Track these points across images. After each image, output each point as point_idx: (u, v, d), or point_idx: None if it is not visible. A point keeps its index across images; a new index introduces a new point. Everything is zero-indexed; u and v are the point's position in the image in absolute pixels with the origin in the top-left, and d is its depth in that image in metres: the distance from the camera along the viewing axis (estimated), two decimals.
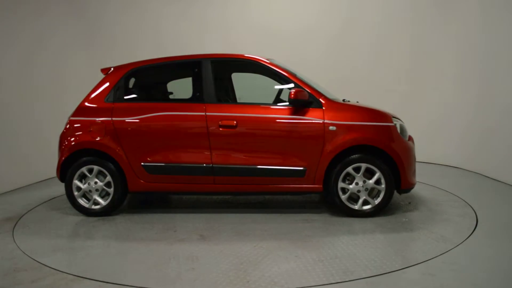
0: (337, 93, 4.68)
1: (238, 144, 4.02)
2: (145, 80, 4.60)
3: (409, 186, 4.05)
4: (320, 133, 3.94)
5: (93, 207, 4.24)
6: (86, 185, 4.22)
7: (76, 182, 4.23)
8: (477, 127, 6.04)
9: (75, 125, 4.29)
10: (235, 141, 4.02)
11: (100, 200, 4.23)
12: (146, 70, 4.47)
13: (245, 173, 4.01)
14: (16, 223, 4.15)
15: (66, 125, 4.35)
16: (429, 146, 6.50)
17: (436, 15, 6.85)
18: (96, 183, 4.22)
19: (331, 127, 3.93)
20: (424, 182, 5.28)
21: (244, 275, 2.83)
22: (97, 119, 4.24)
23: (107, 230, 3.88)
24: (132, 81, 4.48)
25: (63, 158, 4.25)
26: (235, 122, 3.98)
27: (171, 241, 3.55)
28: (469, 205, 4.33)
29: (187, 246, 3.43)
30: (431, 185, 5.24)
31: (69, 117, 4.38)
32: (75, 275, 2.85)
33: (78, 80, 6.85)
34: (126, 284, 2.69)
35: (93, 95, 4.37)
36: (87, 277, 2.87)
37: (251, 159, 4.00)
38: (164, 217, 4.19)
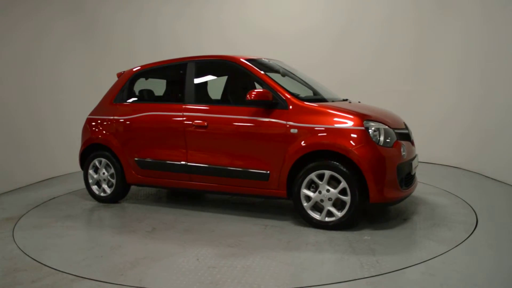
0: (338, 93, 4.65)
1: (209, 144, 4.10)
2: (143, 82, 4.88)
3: (382, 200, 3.47)
4: (282, 136, 3.73)
5: (102, 194, 4.79)
6: (97, 175, 4.81)
7: (90, 172, 4.85)
8: (477, 127, 5.99)
9: (90, 123, 4.92)
10: (206, 141, 4.11)
11: (107, 188, 4.75)
12: (145, 73, 4.83)
13: (216, 173, 4.07)
14: (16, 223, 4.14)
15: (85, 122, 4.97)
16: (429, 146, 6.43)
17: (438, 16, 6.80)
18: (104, 173, 4.75)
19: (292, 130, 3.68)
20: (424, 182, 5.21)
21: (128, 269, 2.93)
22: (104, 117, 4.78)
23: (94, 219, 4.30)
24: (134, 84, 4.84)
25: (81, 151, 4.93)
26: (206, 122, 4.06)
27: (122, 231, 3.83)
28: (469, 205, 4.28)
29: (127, 236, 3.66)
30: (431, 185, 5.19)
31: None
32: (75, 275, 2.83)
33: (75, 79, 6.99)
34: (126, 284, 2.68)
35: (106, 96, 4.94)
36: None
37: (220, 160, 4.03)
38: (154, 209, 4.50)
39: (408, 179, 3.77)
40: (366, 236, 3.42)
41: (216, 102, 4.42)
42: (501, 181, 5.34)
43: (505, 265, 2.89)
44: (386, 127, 3.61)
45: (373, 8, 7.26)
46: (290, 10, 7.60)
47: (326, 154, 3.59)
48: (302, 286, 2.61)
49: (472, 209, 4.17)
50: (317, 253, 3.09)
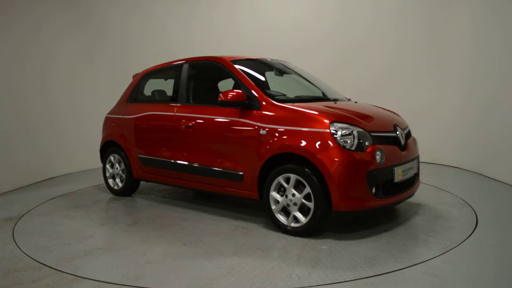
0: (338, 93, 4.56)
1: (195, 144, 4.18)
2: (149, 83, 5.13)
3: (346, 208, 3.21)
4: (252, 137, 3.67)
5: (115, 187, 5.16)
6: (112, 170, 5.18)
7: (107, 166, 5.22)
8: (477, 127, 5.99)
9: (107, 121, 5.31)
10: (193, 141, 4.19)
11: (119, 182, 5.11)
12: (151, 74, 5.08)
13: (200, 172, 4.14)
14: (16, 223, 4.14)
15: (104, 121, 5.36)
16: (429, 146, 6.30)
17: (439, 15, 6.80)
18: (117, 168, 5.11)
19: (261, 131, 3.61)
20: (424, 182, 5.16)
21: (79, 257, 3.17)
22: (118, 116, 5.11)
23: (94, 210, 4.57)
24: (141, 85, 5.12)
25: (100, 147, 5.34)
26: (192, 122, 4.14)
27: (107, 222, 4.11)
28: (469, 205, 4.26)
29: (107, 227, 3.94)
30: (431, 185, 5.18)
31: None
32: (75, 275, 2.84)
33: (75, 78, 7.07)
34: (126, 284, 2.70)
35: (122, 97, 5.27)
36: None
37: (203, 159, 4.09)
38: (154, 204, 4.74)
39: (390, 187, 3.43)
40: (324, 245, 3.22)
41: (203, 102, 4.43)
42: (501, 181, 5.33)
43: (505, 265, 2.88)
44: (360, 129, 3.32)
45: (372, 8, 7.29)
46: (300, 9, 7.63)
47: (296, 157, 3.42)
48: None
49: (472, 209, 4.15)
50: (258, 259, 3.01)
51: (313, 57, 7.27)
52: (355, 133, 3.29)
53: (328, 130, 3.26)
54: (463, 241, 3.26)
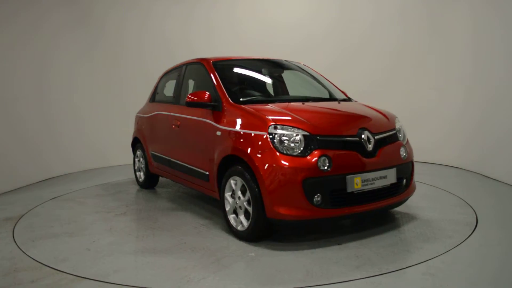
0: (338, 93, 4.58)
1: (180, 143, 4.37)
2: (164, 83, 5.42)
3: (278, 216, 3.04)
4: (212, 138, 3.70)
5: (140, 180, 5.61)
6: (138, 164, 5.65)
7: (136, 160, 5.70)
8: (477, 128, 5.94)
9: (135, 119, 5.75)
10: (180, 140, 4.38)
11: (142, 176, 5.54)
12: (166, 75, 5.36)
13: (184, 170, 4.31)
14: (16, 223, 4.14)
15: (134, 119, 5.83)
16: (430, 146, 6.46)
17: (440, 15, 6.75)
18: (141, 162, 5.56)
19: (217, 132, 3.61)
20: (424, 182, 5.20)
21: (45, 239, 3.54)
22: (141, 115, 5.53)
23: (107, 199, 4.96)
24: (161, 85, 5.43)
25: (131, 142, 5.81)
26: (178, 122, 4.34)
27: (103, 210, 4.43)
28: (469, 205, 4.24)
29: (97, 215, 4.26)
30: (432, 185, 5.15)
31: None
32: (75, 275, 2.85)
33: (66, 72, 7.02)
34: (126, 284, 2.70)
35: (148, 96, 5.64)
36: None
37: (186, 158, 4.26)
38: (154, 198, 5.01)
39: (343, 197, 3.11)
40: (253, 253, 3.10)
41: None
42: (501, 181, 5.29)
43: (505, 265, 2.89)
44: (305, 133, 3.09)
45: (383, 11, 7.27)
46: (298, 7, 7.63)
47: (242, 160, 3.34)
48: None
49: (472, 209, 4.14)
50: (178, 258, 3.07)
51: (314, 56, 7.20)
52: (298, 137, 3.08)
53: (265, 133, 3.13)
54: (463, 241, 3.26)
